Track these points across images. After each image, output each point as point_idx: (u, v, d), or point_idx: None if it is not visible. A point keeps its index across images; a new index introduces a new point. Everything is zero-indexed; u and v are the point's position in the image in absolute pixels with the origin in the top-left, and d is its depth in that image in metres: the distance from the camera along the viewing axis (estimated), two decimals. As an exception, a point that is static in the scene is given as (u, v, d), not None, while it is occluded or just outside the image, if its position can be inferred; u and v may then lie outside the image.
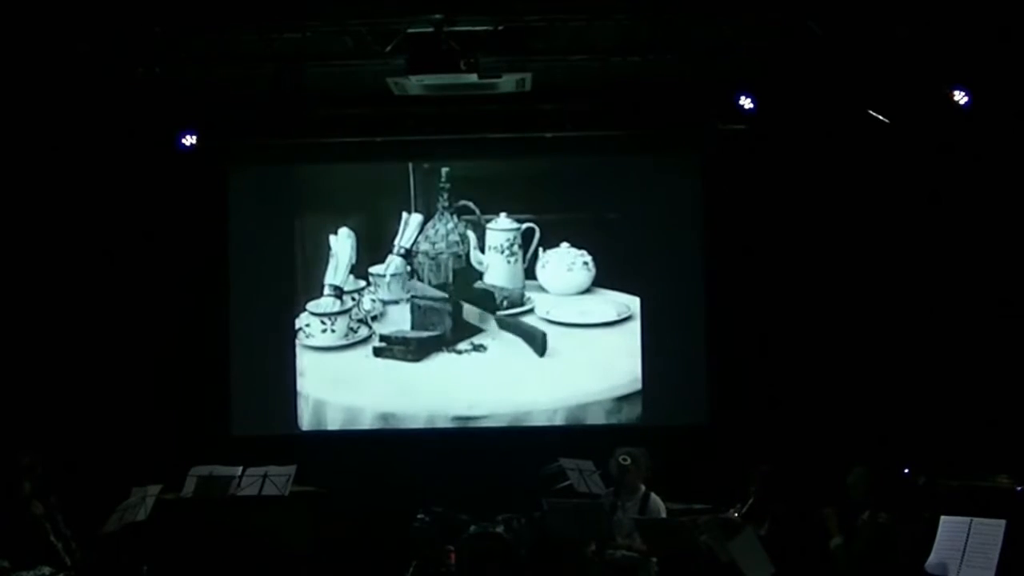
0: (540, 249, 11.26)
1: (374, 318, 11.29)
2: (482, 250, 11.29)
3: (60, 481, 8.61)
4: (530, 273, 11.28)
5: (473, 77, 8.93)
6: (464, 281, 11.25)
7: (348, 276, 11.28)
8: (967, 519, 5.87)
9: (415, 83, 9.20)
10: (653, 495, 8.60)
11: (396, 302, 11.30)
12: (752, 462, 8.48)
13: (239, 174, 11.46)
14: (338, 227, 11.30)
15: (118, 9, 8.44)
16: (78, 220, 10.88)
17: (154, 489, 8.78)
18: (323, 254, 11.31)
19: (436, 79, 9.00)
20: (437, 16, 8.57)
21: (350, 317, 11.29)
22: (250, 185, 11.49)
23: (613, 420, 11.17)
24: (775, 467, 8.26)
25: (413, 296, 11.24)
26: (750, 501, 8.22)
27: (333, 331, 11.27)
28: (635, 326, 11.23)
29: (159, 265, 11.07)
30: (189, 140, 10.58)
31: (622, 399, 11.20)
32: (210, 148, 10.78)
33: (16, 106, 9.50)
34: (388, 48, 8.97)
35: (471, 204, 11.27)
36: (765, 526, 7.86)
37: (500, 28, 8.83)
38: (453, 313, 11.20)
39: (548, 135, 10.88)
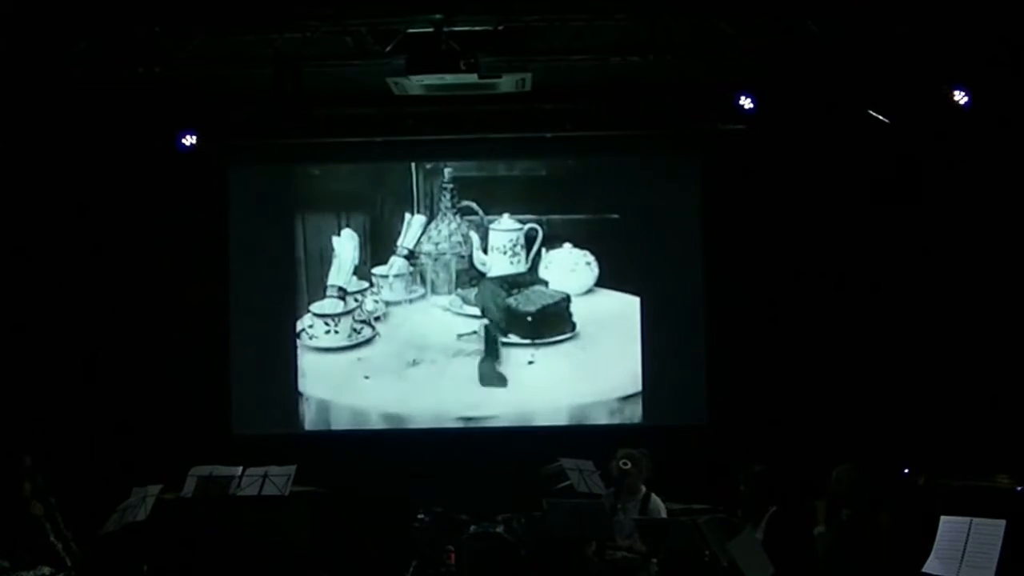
0: (543, 250, 11.26)
1: (377, 319, 11.29)
2: (485, 251, 11.29)
3: (60, 481, 8.60)
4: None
5: (473, 77, 8.93)
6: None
7: (351, 277, 11.28)
8: (967, 519, 5.85)
9: (415, 83, 9.19)
10: (654, 496, 8.59)
11: (399, 303, 11.31)
12: (750, 462, 8.47)
13: (239, 174, 11.47)
14: (339, 227, 11.31)
15: (118, 9, 8.44)
16: (78, 220, 10.90)
17: (154, 489, 8.77)
18: (324, 255, 11.32)
19: (436, 79, 9.00)
20: (437, 16, 8.58)
21: (353, 318, 11.29)
22: (250, 185, 11.50)
23: (616, 420, 11.18)
24: (768, 467, 8.23)
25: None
26: (743, 501, 8.21)
27: (336, 332, 11.28)
28: (636, 326, 11.24)
29: (159, 265, 11.08)
30: (189, 140, 10.59)
31: (624, 399, 11.21)
32: (210, 148, 10.78)
33: (16, 106, 9.49)
34: (388, 48, 8.97)
35: (474, 205, 11.28)
36: (762, 527, 7.85)
37: (500, 28, 8.82)
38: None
39: (548, 135, 10.89)
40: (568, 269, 11.28)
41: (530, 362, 11.21)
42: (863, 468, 7.62)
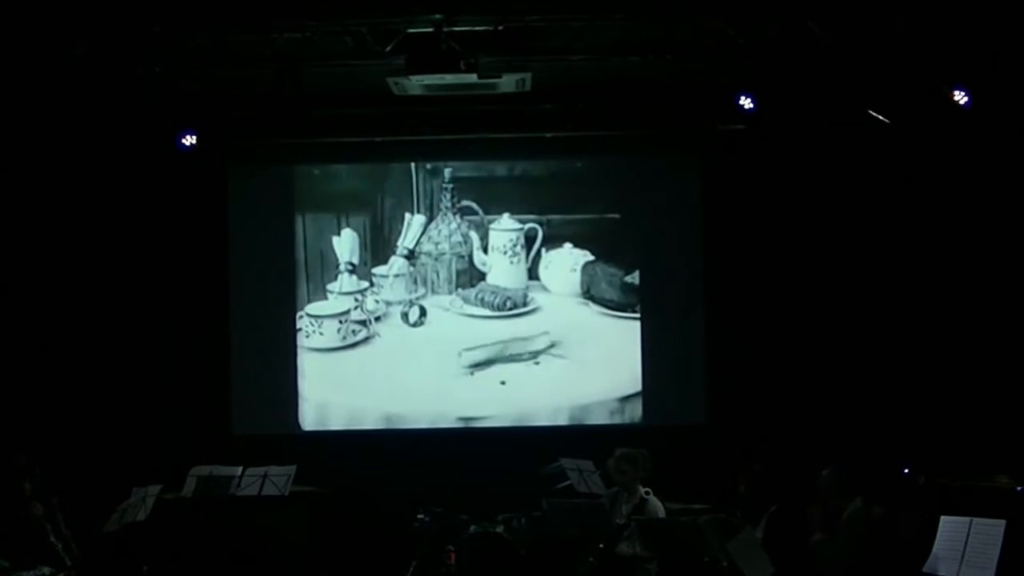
0: (543, 250, 11.26)
1: (377, 319, 11.29)
2: (485, 251, 11.30)
3: (60, 481, 8.60)
4: (533, 274, 11.30)
5: (473, 77, 8.93)
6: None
7: (352, 277, 11.26)
8: (967, 519, 5.84)
9: (415, 83, 9.19)
10: (652, 497, 8.57)
11: (399, 303, 11.30)
12: (749, 461, 8.47)
13: (239, 174, 11.47)
14: (339, 227, 11.31)
15: (118, 9, 8.43)
16: (78, 220, 10.90)
17: (154, 489, 8.77)
18: (323, 254, 11.31)
19: (436, 79, 8.99)
20: (437, 16, 8.57)
21: (353, 318, 11.29)
22: (250, 185, 11.50)
23: (616, 420, 11.18)
24: (766, 466, 8.23)
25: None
26: (743, 501, 8.21)
27: (336, 331, 11.28)
28: (636, 326, 11.24)
29: (159, 265, 11.08)
30: (189, 140, 10.58)
31: (625, 399, 11.21)
32: (210, 148, 10.78)
33: (16, 106, 9.50)
34: (388, 48, 8.97)
35: (474, 205, 11.29)
36: (761, 526, 7.84)
37: (500, 28, 8.82)
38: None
39: (548, 135, 10.89)
40: (568, 269, 11.29)
41: (536, 363, 11.21)
42: (851, 466, 7.59)
